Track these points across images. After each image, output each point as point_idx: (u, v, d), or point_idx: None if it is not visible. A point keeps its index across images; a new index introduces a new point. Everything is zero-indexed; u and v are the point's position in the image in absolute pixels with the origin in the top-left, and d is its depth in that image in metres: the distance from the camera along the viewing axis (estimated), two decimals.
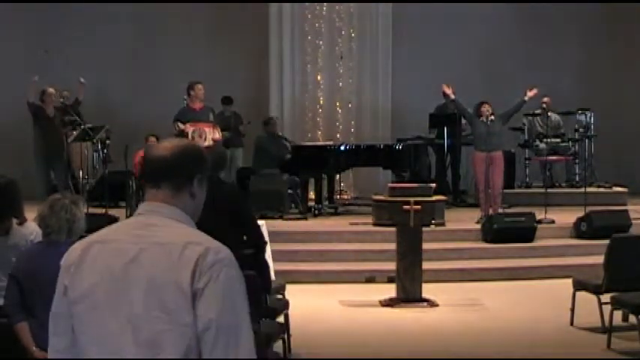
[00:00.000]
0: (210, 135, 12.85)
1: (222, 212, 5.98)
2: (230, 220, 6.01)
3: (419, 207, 9.13)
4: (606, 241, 8.10)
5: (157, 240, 2.39)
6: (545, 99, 14.53)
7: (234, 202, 6.29)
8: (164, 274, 2.33)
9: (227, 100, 14.34)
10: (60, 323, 2.50)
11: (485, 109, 12.00)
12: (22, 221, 5.37)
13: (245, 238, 6.32)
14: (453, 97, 12.47)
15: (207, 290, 2.30)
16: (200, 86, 12.50)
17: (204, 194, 2.55)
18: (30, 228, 5.27)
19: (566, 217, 12.24)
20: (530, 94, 12.18)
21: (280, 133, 13.93)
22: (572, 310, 8.30)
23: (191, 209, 2.51)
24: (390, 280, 9.74)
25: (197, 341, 2.30)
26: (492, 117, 11.95)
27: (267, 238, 9.30)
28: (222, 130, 13.86)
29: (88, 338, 2.40)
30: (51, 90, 12.91)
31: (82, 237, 4.86)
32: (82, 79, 13.19)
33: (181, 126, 12.99)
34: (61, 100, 13.08)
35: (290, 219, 12.60)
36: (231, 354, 2.28)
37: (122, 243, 2.41)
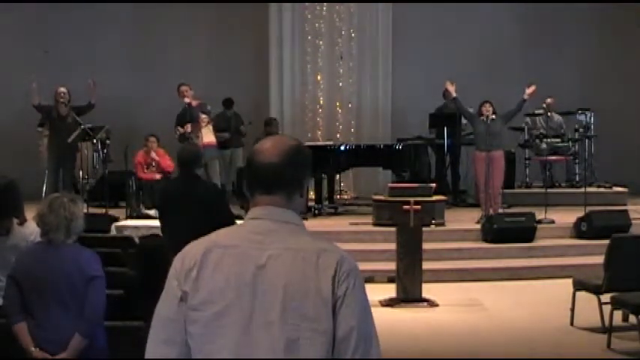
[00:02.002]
0: (207, 138, 12.99)
1: (199, 208, 6.05)
2: (206, 215, 6.04)
3: (419, 207, 9.12)
4: (606, 241, 8.10)
5: (285, 246, 2.36)
6: (549, 100, 14.52)
7: (211, 198, 6.33)
8: (301, 281, 2.31)
9: (228, 103, 14.36)
10: (171, 330, 2.37)
11: (486, 108, 12.00)
12: (22, 221, 5.37)
13: None
14: (454, 95, 12.47)
15: (347, 298, 2.32)
16: (183, 88, 13.20)
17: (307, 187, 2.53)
18: (30, 228, 5.27)
19: (566, 217, 12.24)
20: (528, 91, 12.18)
21: (281, 134, 13.92)
22: (572, 310, 8.30)
23: (300, 207, 2.50)
24: (390, 280, 9.73)
25: (332, 347, 2.30)
26: (493, 116, 11.95)
27: None
28: (222, 131, 13.92)
29: (215, 346, 2.32)
30: (62, 89, 12.90)
31: (80, 238, 4.90)
32: (93, 80, 12.88)
33: (181, 130, 13.16)
34: (62, 101, 13.03)
35: None
36: (368, 356, 2.32)
37: (245, 248, 2.37)
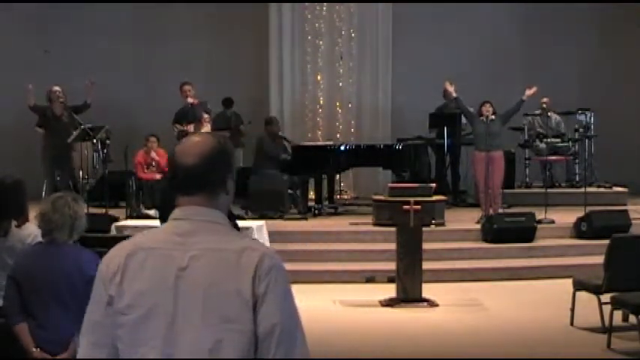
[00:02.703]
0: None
1: None
2: None
3: (419, 207, 9.13)
4: (606, 241, 8.10)
5: (206, 246, 2.36)
6: (545, 99, 14.51)
7: None
8: (221, 281, 2.31)
9: (228, 103, 14.35)
10: (102, 334, 2.41)
11: (486, 108, 12.00)
12: (23, 222, 5.36)
13: None
14: (454, 95, 12.48)
15: (267, 295, 2.31)
16: (186, 87, 13.27)
17: (234, 184, 2.51)
18: (28, 230, 5.27)
19: (566, 217, 12.24)
20: (528, 92, 12.20)
21: (281, 134, 13.93)
22: (572, 310, 8.30)
23: (226, 205, 2.49)
24: (390, 280, 9.74)
25: (254, 345, 2.30)
26: (493, 117, 11.96)
27: (266, 238, 9.35)
28: (222, 130, 13.91)
29: (141, 349, 2.34)
30: (56, 88, 12.89)
31: (81, 238, 4.90)
32: (91, 80, 12.92)
33: (180, 127, 13.18)
34: (61, 101, 13.03)
35: (290, 219, 12.60)
36: (291, 355, 2.31)
37: (169, 250, 2.37)
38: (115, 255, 2.43)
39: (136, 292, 2.35)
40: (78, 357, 2.47)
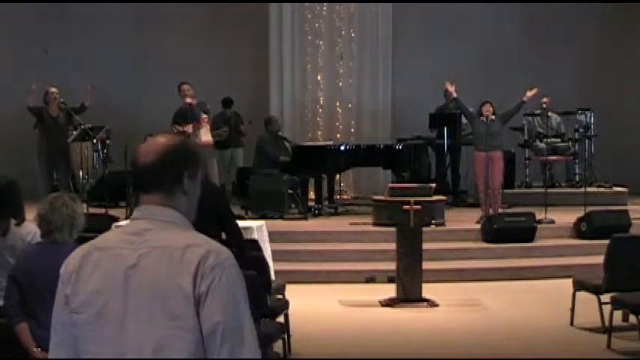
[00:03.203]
0: (205, 137, 13.03)
1: (200, 208, 6.01)
2: (207, 217, 6.02)
3: (419, 207, 9.12)
4: (606, 241, 8.10)
5: (154, 244, 2.37)
6: (545, 99, 14.51)
7: (212, 200, 6.31)
8: (166, 279, 2.32)
9: (227, 103, 14.35)
10: (62, 333, 2.48)
11: (486, 108, 12.00)
12: (20, 221, 5.36)
13: (224, 235, 6.31)
14: (454, 95, 12.48)
15: (210, 293, 2.29)
16: (184, 86, 13.17)
17: (198, 188, 2.52)
18: (27, 228, 5.27)
19: (566, 217, 12.24)
20: (529, 94, 12.20)
21: (280, 134, 13.93)
22: (572, 310, 8.30)
23: (185, 207, 2.49)
24: (390, 280, 9.74)
25: (202, 344, 2.30)
26: (493, 117, 11.96)
27: (266, 238, 9.34)
28: (221, 130, 13.91)
29: (92, 347, 2.38)
30: (53, 89, 12.90)
31: (80, 237, 4.90)
32: (90, 85, 13.01)
33: (180, 128, 13.18)
34: (61, 101, 13.02)
35: (290, 219, 12.60)
36: (237, 355, 2.29)
37: (120, 249, 2.40)
38: (73, 255, 2.47)
39: (90, 292, 2.38)
40: (48, 357, 2.54)
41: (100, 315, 2.36)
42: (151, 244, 2.37)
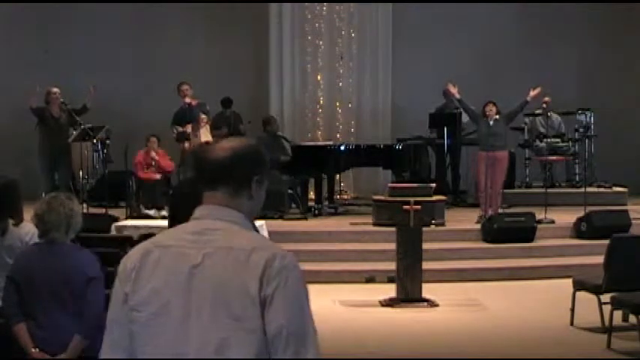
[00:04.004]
0: (204, 138, 13.04)
1: None
2: None
3: (419, 207, 9.12)
4: (606, 241, 8.10)
5: (219, 244, 2.37)
6: (546, 99, 14.51)
7: None
8: (231, 280, 2.32)
9: (226, 103, 14.36)
10: (117, 332, 2.44)
11: (489, 108, 11.99)
12: (19, 222, 5.36)
13: None
14: (457, 96, 12.46)
15: (276, 296, 2.30)
16: (184, 86, 13.24)
17: (263, 194, 2.52)
18: (26, 228, 5.26)
19: (566, 217, 12.24)
20: (532, 93, 12.19)
21: (280, 134, 13.92)
22: (572, 310, 8.30)
23: (248, 210, 2.48)
24: (390, 280, 9.74)
25: (266, 345, 2.30)
26: (497, 117, 11.94)
27: (267, 238, 9.34)
28: (221, 130, 13.91)
29: (149, 347, 2.36)
30: (55, 89, 12.90)
31: (78, 237, 4.89)
32: (92, 87, 12.98)
33: (180, 129, 13.18)
34: (62, 101, 13.01)
35: (290, 219, 12.59)
36: (302, 356, 2.31)
37: (183, 248, 2.39)
38: (132, 253, 2.46)
39: (151, 290, 2.37)
40: (100, 357, 2.48)
41: (161, 313, 2.35)
42: (215, 245, 2.37)
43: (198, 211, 2.46)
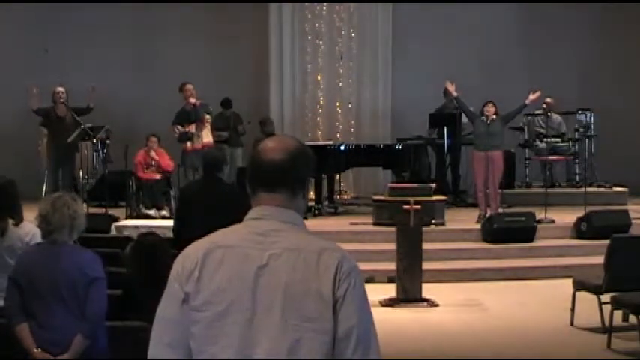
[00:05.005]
0: (206, 138, 13.04)
1: (223, 211, 5.99)
2: (231, 219, 5.99)
3: (419, 207, 9.13)
4: (606, 241, 8.10)
5: (285, 245, 2.37)
6: (548, 99, 14.50)
7: (234, 202, 6.29)
8: (300, 281, 2.32)
9: (226, 104, 14.35)
10: (174, 333, 2.38)
11: (488, 108, 12.00)
12: (19, 222, 5.36)
13: None
14: (455, 94, 12.47)
15: (347, 297, 2.33)
16: (188, 86, 13.22)
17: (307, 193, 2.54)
18: (26, 229, 5.26)
19: (566, 217, 12.24)
20: (532, 97, 12.19)
21: (278, 133, 13.91)
22: (572, 310, 8.30)
23: (302, 209, 2.51)
24: (390, 280, 9.74)
25: (332, 346, 2.31)
26: (494, 117, 11.95)
27: None
28: (221, 130, 13.91)
29: (217, 347, 2.33)
30: (60, 89, 12.91)
31: (81, 237, 4.89)
32: (92, 86, 13.00)
33: (181, 129, 13.16)
34: (62, 101, 13.02)
35: None
36: (369, 356, 2.33)
37: (247, 248, 2.38)
38: (191, 252, 2.43)
39: (215, 289, 2.35)
40: (148, 357, 2.43)
41: (225, 314, 2.33)
42: (281, 245, 2.37)
43: (256, 212, 2.45)
